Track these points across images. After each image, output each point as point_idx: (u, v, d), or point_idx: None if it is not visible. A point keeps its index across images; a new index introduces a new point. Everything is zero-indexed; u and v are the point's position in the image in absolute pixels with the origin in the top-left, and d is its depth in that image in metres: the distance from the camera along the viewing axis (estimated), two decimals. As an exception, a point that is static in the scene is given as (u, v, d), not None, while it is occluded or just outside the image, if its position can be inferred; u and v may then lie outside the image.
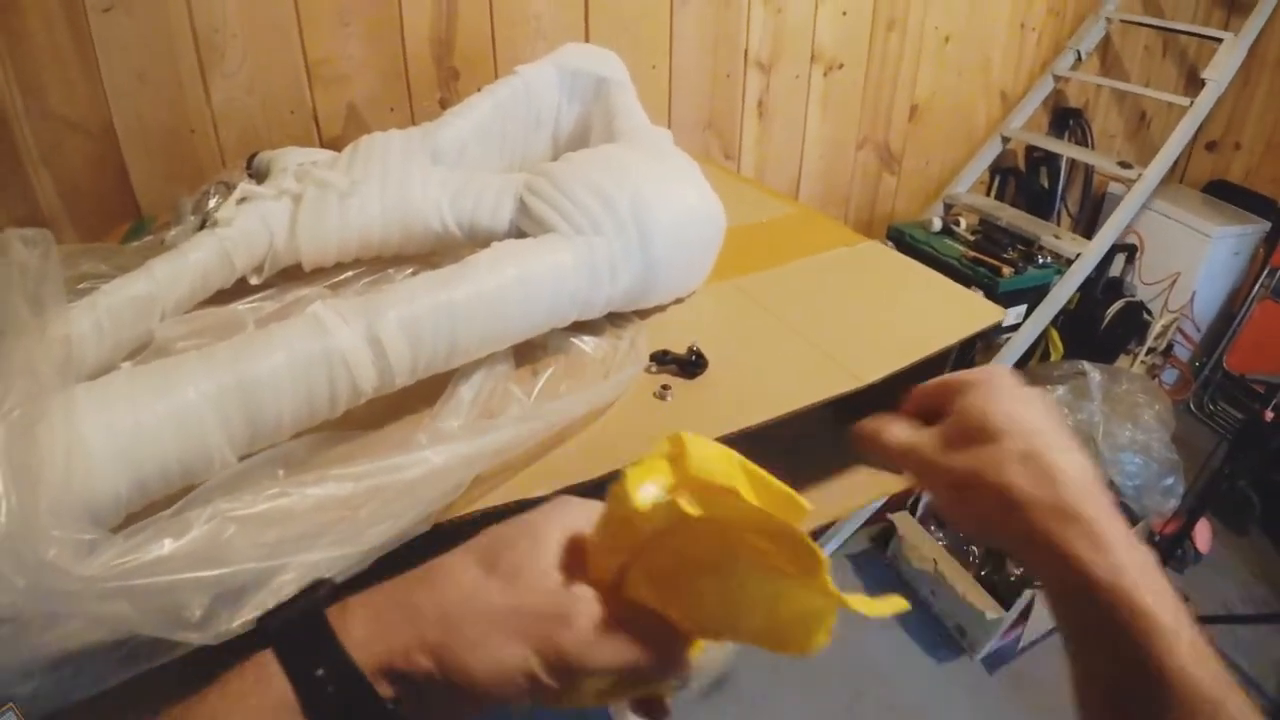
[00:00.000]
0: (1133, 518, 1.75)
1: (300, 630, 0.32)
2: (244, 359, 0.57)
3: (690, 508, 0.31)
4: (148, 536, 0.48)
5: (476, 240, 0.77)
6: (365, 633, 0.32)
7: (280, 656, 0.32)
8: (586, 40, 1.41)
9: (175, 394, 0.54)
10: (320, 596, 0.35)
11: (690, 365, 0.73)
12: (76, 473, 0.49)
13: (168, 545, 0.48)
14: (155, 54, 1.12)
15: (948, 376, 0.44)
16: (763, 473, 0.34)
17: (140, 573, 0.46)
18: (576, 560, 0.35)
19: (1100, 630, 0.35)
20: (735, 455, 0.34)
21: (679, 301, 0.85)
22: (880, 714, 1.54)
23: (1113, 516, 0.37)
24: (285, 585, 0.49)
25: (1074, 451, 0.39)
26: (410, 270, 0.80)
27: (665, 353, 0.74)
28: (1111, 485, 1.71)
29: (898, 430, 0.44)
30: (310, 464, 0.59)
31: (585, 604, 0.33)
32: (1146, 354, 2.23)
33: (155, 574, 0.46)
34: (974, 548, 1.76)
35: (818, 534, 1.83)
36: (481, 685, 0.32)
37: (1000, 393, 0.41)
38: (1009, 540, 0.39)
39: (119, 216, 1.14)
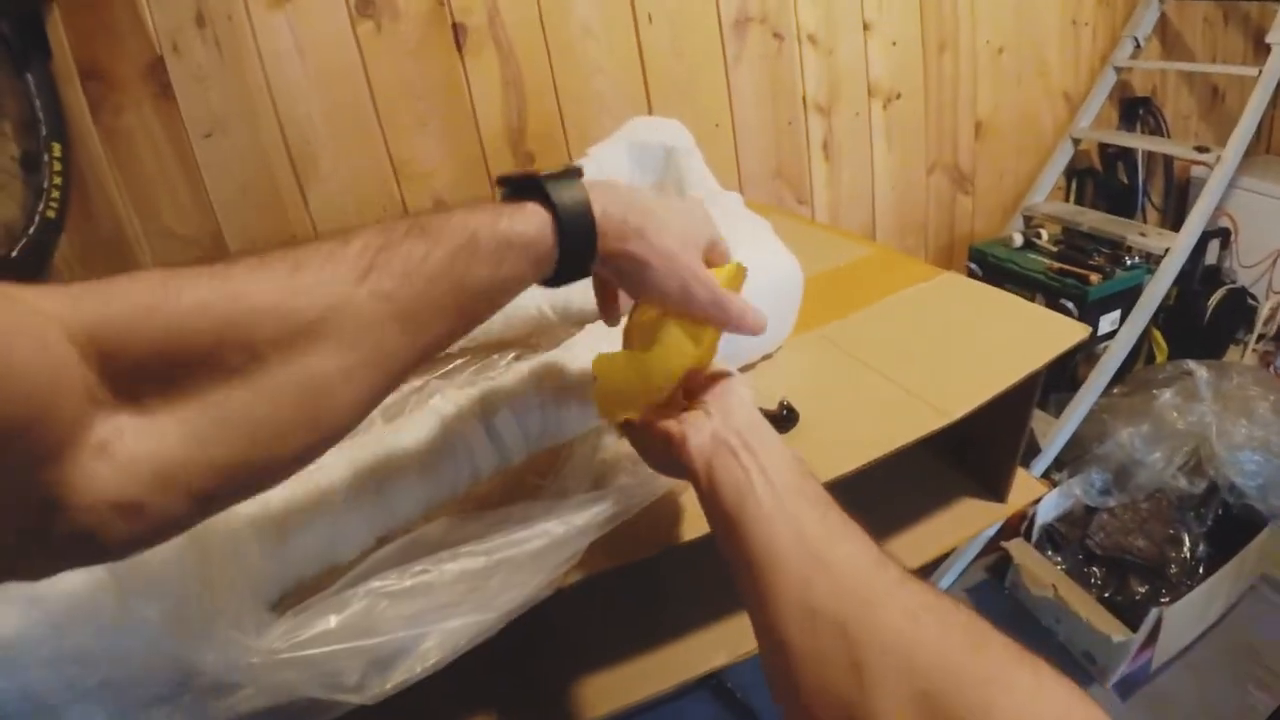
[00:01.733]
0: (1260, 519, 1.66)
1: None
2: (374, 452, 0.63)
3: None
4: (314, 613, 0.54)
5: (570, 320, 0.82)
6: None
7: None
8: (649, 109, 1.47)
9: (313, 482, 0.60)
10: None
11: (782, 420, 0.75)
12: (241, 555, 0.56)
13: (333, 620, 0.54)
14: (254, 169, 1.23)
15: None
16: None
17: (308, 645, 0.51)
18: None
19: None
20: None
21: (767, 358, 0.87)
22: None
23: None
24: (429, 651, 0.55)
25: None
26: (513, 354, 0.86)
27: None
28: (1232, 488, 1.63)
29: None
30: (445, 543, 0.64)
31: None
32: (1257, 341, 2.12)
33: (320, 645, 0.51)
34: (1095, 569, 1.70)
35: (932, 567, 1.79)
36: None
37: None
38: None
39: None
